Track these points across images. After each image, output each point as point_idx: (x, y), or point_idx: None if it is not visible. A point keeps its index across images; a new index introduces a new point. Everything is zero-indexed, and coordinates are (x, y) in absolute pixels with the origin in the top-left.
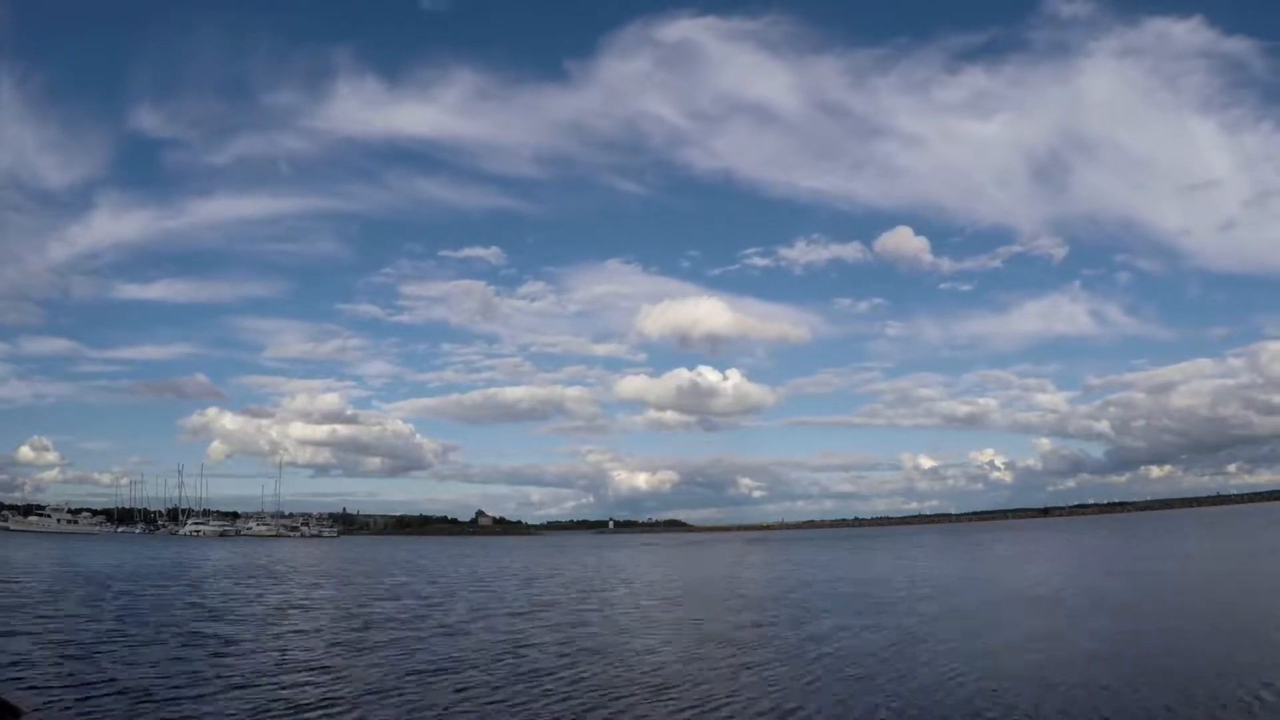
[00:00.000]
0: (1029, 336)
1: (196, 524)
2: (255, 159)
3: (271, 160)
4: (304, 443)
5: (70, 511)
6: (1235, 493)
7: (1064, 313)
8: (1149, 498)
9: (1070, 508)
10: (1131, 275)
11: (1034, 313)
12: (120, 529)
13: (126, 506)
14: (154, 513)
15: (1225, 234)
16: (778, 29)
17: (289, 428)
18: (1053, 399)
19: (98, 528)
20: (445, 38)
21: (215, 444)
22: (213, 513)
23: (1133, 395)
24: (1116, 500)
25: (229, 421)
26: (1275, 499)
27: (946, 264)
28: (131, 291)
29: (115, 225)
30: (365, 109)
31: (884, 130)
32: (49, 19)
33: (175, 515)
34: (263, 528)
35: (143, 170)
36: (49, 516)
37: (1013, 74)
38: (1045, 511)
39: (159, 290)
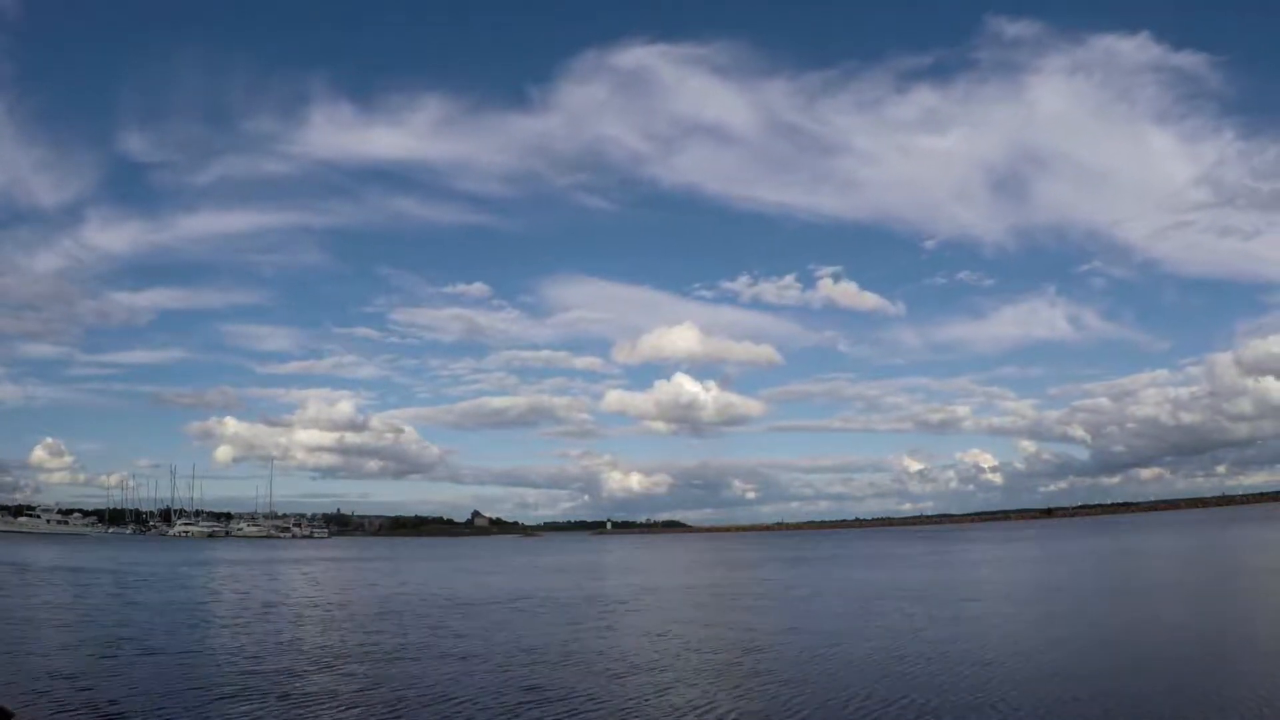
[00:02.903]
0: (992, 344)
1: (185, 524)
2: (237, 179)
3: (253, 181)
4: (311, 448)
5: (61, 512)
6: (1240, 493)
7: (1041, 320)
8: (1152, 499)
9: (1074, 508)
10: (1095, 285)
11: (1009, 320)
12: (111, 530)
13: (120, 507)
14: (146, 514)
15: (1187, 244)
16: (728, 54)
17: (294, 434)
18: (1018, 405)
19: (89, 529)
20: (411, 66)
21: (222, 448)
22: (204, 513)
23: (1099, 402)
24: (1120, 501)
25: (233, 426)
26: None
27: (877, 299)
28: (122, 299)
29: (105, 239)
30: (340, 133)
31: (840, 147)
32: (40, 48)
33: (168, 516)
34: (253, 529)
35: (130, 189)
36: (38, 518)
37: (963, 92)
38: (1049, 512)
39: (149, 298)
